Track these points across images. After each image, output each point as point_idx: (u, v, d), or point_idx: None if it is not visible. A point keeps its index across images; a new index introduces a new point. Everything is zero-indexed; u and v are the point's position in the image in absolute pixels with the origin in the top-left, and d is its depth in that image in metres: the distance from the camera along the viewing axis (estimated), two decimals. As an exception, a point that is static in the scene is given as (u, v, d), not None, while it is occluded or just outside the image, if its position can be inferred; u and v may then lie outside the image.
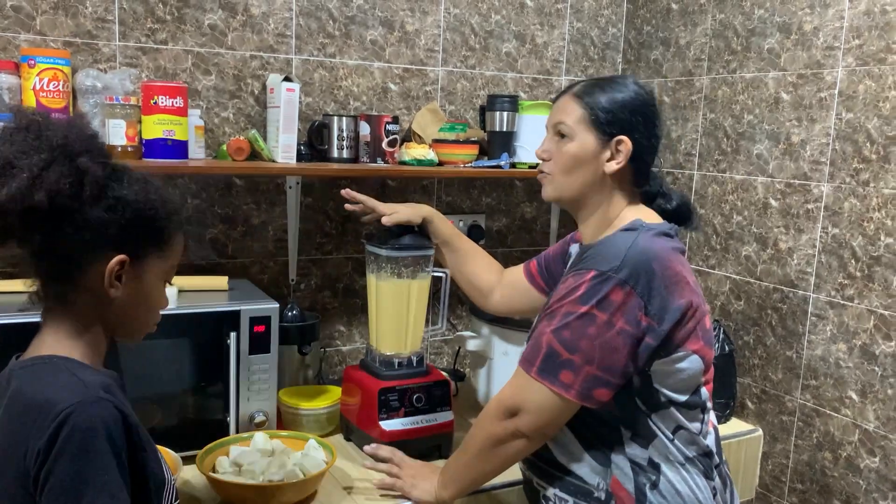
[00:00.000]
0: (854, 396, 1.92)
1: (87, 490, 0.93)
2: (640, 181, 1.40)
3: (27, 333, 1.09)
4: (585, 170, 1.36)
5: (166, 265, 1.10)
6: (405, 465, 1.57)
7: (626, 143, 1.35)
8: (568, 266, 1.51)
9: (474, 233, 2.37)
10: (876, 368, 1.87)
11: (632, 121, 1.35)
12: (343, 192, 1.73)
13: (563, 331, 1.26)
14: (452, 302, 2.36)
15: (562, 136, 1.37)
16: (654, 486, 1.30)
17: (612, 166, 1.35)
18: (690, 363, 1.30)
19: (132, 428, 1.00)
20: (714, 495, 1.35)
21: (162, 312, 1.16)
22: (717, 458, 1.38)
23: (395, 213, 1.68)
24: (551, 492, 1.38)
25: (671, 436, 1.32)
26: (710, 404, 1.38)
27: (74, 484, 0.93)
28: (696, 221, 1.47)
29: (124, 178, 1.04)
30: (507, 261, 2.44)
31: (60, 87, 1.72)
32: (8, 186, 0.95)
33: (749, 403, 2.19)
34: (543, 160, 1.41)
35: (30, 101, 1.70)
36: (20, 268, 1.08)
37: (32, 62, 1.69)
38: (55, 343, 1.05)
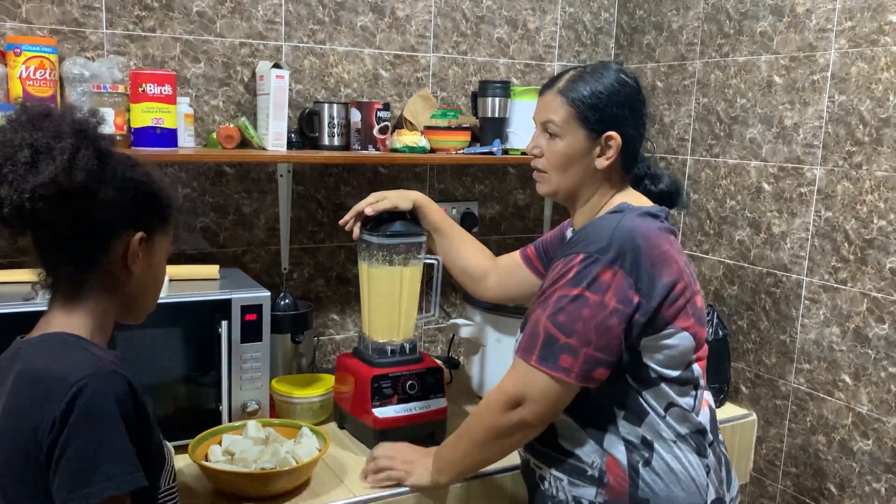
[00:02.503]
0: (847, 380, 1.92)
1: (105, 458, 0.95)
2: (628, 167, 1.42)
3: (29, 322, 1.11)
4: (578, 167, 1.38)
5: (168, 242, 1.16)
6: (395, 453, 1.56)
7: (616, 139, 1.36)
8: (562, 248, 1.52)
9: (467, 220, 2.36)
10: (869, 351, 1.87)
11: (619, 115, 1.36)
12: (341, 223, 1.71)
13: (559, 315, 1.27)
14: (445, 289, 2.35)
15: (551, 134, 1.38)
16: (647, 463, 1.31)
17: (603, 162, 1.38)
18: (680, 340, 1.31)
19: (140, 403, 1.02)
20: (707, 472, 1.35)
21: None
22: (710, 436, 1.39)
23: (383, 199, 1.67)
24: (547, 471, 1.39)
25: (663, 413, 1.32)
26: (703, 381, 1.39)
27: (92, 452, 0.95)
28: (685, 201, 1.49)
29: (130, 162, 1.10)
30: (500, 249, 2.43)
31: (47, 75, 1.70)
32: (48, 168, 0.98)
33: (743, 388, 2.19)
34: (535, 156, 1.42)
35: (16, 89, 1.68)
36: (25, 257, 1.11)
37: (18, 50, 1.67)
38: (65, 322, 1.07)
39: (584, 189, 1.40)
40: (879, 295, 1.84)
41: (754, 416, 2.13)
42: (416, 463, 1.52)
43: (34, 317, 1.11)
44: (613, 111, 1.35)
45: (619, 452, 1.32)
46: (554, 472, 1.38)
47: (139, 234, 1.08)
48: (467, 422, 1.44)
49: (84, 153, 1.01)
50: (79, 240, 1.04)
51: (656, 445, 1.32)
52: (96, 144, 1.04)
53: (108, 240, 1.06)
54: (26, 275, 1.13)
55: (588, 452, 1.34)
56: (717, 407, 2.10)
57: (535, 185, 1.47)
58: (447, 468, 1.48)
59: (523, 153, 2.19)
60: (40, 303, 1.13)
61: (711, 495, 1.36)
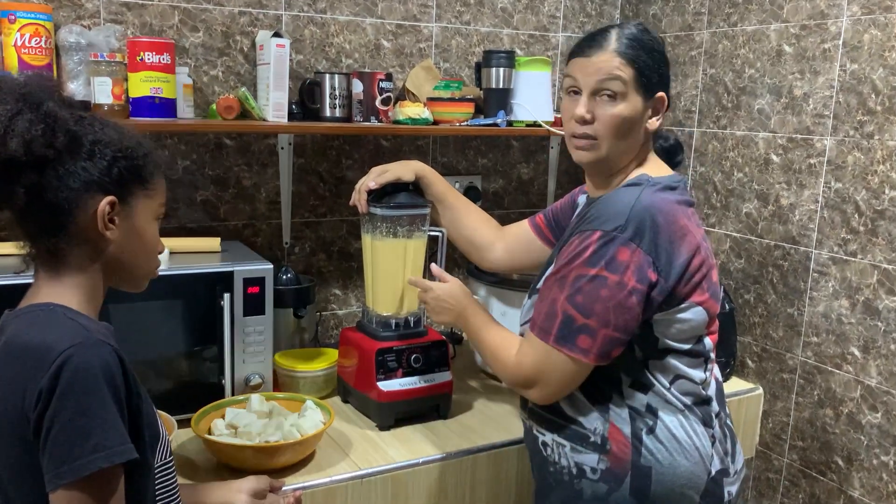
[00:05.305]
0: (856, 353, 1.90)
1: (94, 429, 0.93)
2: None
3: (18, 295, 1.07)
4: (633, 130, 1.33)
5: (154, 203, 1.10)
6: (432, 294, 1.54)
7: (664, 100, 1.35)
8: (575, 215, 1.48)
9: (470, 194, 2.32)
10: (879, 324, 1.85)
11: (667, 76, 1.36)
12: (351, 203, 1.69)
13: (577, 296, 1.24)
14: (448, 265, 2.33)
15: (609, 96, 1.31)
16: (651, 431, 1.30)
17: (654, 123, 1.34)
18: (694, 314, 1.29)
19: (129, 374, 0.99)
20: (713, 442, 1.34)
21: None
22: (716, 407, 1.37)
23: (385, 172, 1.64)
24: (549, 437, 1.38)
25: (668, 384, 1.31)
26: (713, 354, 1.37)
27: (80, 424, 0.92)
28: (681, 158, 1.49)
29: (94, 123, 1.03)
30: (504, 223, 2.40)
31: (43, 43, 1.66)
32: None
33: (749, 362, 2.17)
34: (586, 121, 1.33)
35: (11, 58, 1.64)
36: (9, 231, 1.07)
37: (13, 17, 1.63)
38: (51, 293, 1.03)
39: (630, 153, 1.35)
40: (890, 266, 1.81)
41: (760, 390, 2.11)
42: (444, 311, 1.52)
43: (23, 290, 1.08)
44: (664, 72, 1.34)
45: (623, 420, 1.30)
46: (556, 437, 1.36)
47: (108, 198, 1.01)
48: (494, 351, 1.39)
49: (23, 118, 0.95)
50: (42, 210, 0.99)
51: (661, 413, 1.30)
52: (42, 108, 0.97)
53: (73, 207, 1.00)
54: (12, 248, 1.09)
55: (591, 419, 1.32)
56: (724, 381, 2.08)
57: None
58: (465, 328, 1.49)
59: (528, 125, 2.16)
60: (29, 276, 1.09)
61: (716, 465, 1.34)
